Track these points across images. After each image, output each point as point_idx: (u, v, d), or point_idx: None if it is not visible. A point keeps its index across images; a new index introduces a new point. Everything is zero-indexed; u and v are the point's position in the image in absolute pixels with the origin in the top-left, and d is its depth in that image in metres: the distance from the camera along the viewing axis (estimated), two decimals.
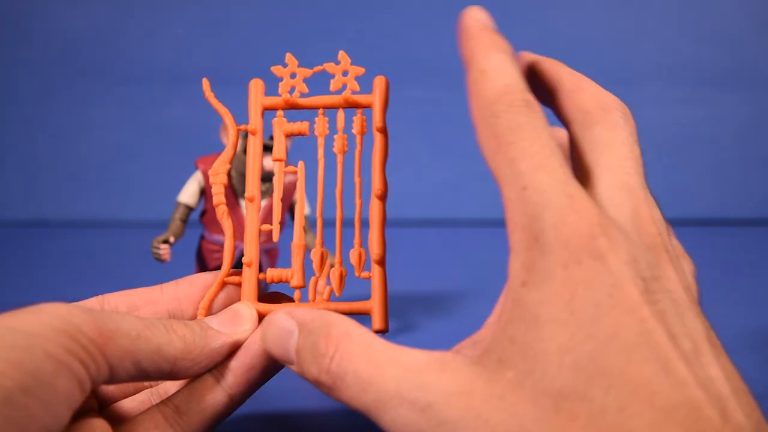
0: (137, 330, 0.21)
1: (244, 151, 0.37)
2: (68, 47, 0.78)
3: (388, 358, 0.19)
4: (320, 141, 0.27)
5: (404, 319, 0.48)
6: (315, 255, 0.27)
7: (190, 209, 0.39)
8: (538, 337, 0.18)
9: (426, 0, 0.78)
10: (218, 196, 0.26)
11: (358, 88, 0.27)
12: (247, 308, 0.25)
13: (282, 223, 0.40)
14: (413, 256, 0.63)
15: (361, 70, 0.27)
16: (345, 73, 0.27)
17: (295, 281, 0.26)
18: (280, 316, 0.23)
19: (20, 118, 0.79)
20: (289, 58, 0.27)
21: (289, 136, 0.27)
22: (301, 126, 0.27)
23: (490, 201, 0.79)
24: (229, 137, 0.27)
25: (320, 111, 0.27)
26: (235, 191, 0.38)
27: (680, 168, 0.81)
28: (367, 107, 0.27)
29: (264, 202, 0.39)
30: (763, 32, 0.80)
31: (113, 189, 0.79)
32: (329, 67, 0.27)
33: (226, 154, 0.27)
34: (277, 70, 0.27)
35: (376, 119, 0.26)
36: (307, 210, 0.41)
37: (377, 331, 0.25)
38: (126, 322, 0.21)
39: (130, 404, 0.27)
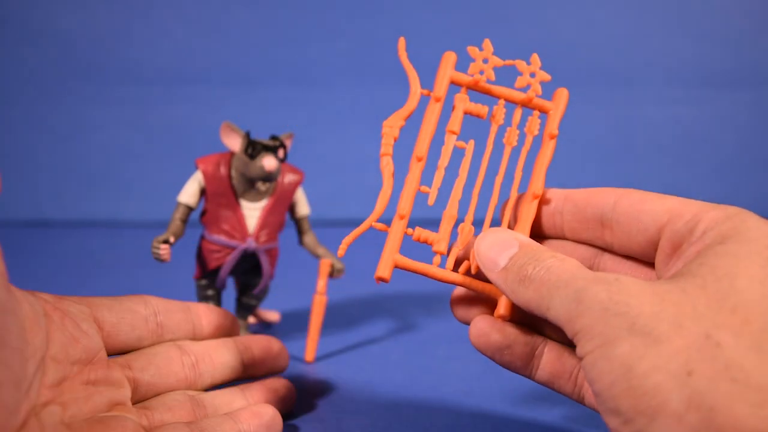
0: None
1: (245, 151, 0.37)
2: (68, 47, 0.78)
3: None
4: (494, 128, 0.28)
5: (404, 319, 0.48)
6: (463, 228, 0.28)
7: (190, 209, 0.39)
8: (735, 286, 0.20)
9: (425, 1, 0.78)
10: (386, 147, 0.27)
11: (540, 92, 0.28)
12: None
13: (283, 224, 0.40)
14: (414, 255, 0.62)
15: (547, 77, 0.28)
16: (532, 75, 0.28)
17: (440, 247, 0.28)
18: (507, 231, 0.26)
19: (20, 118, 0.79)
20: (486, 43, 0.28)
21: (467, 114, 0.28)
22: (481, 108, 0.28)
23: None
24: (411, 96, 0.27)
25: (500, 101, 0.28)
26: (235, 191, 0.38)
27: (680, 168, 0.81)
28: (544, 112, 0.28)
29: (263, 202, 0.39)
30: (763, 32, 0.80)
31: (113, 189, 0.79)
32: (519, 64, 0.28)
33: (406, 110, 0.28)
34: (472, 50, 0.28)
35: (552, 126, 0.28)
36: (306, 210, 0.41)
37: (500, 317, 0.27)
38: None
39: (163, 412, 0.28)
